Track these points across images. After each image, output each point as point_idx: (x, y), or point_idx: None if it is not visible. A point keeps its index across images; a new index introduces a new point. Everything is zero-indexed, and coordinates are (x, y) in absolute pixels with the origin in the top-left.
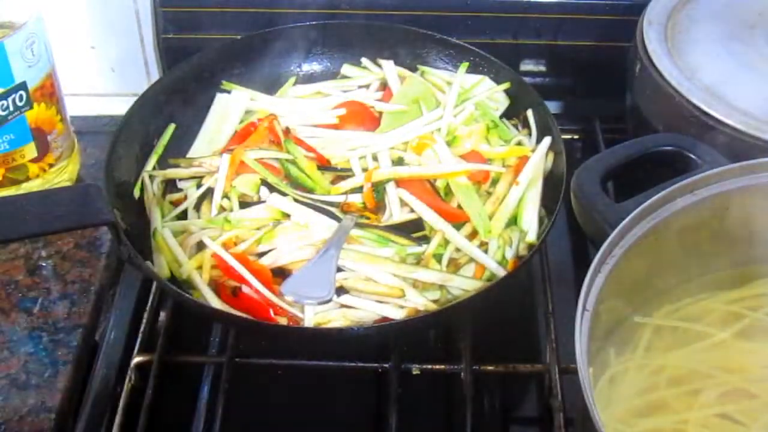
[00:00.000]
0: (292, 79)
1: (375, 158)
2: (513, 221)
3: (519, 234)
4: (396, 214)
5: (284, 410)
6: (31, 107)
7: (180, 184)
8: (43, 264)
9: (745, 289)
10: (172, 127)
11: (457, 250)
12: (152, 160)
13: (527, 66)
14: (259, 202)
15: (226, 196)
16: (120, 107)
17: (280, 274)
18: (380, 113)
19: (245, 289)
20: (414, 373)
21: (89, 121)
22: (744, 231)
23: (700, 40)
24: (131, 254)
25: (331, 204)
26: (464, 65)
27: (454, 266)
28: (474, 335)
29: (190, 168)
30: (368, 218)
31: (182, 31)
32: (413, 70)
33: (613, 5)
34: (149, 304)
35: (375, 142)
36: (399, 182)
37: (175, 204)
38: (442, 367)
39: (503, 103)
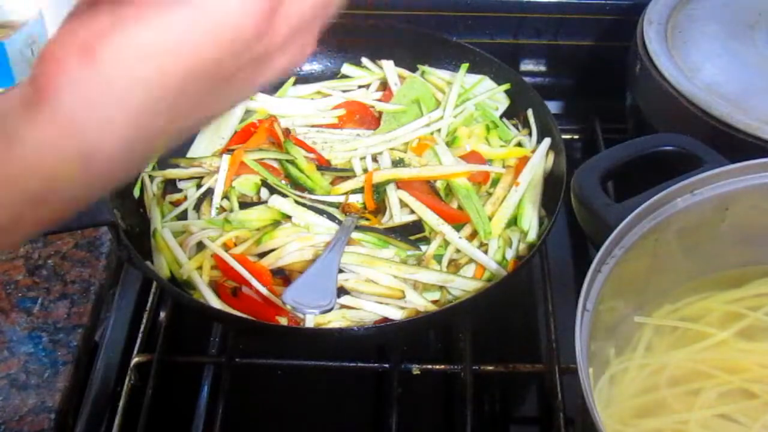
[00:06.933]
0: (292, 79)
1: (375, 159)
2: (513, 222)
3: (519, 234)
4: (396, 215)
5: (284, 410)
6: None
7: (180, 184)
8: (43, 264)
9: (745, 289)
10: None
11: (458, 250)
12: (152, 160)
13: (527, 66)
14: (259, 202)
15: (225, 196)
16: None
17: (281, 274)
18: (380, 113)
19: (245, 289)
20: (414, 373)
21: None
22: (744, 231)
23: (700, 39)
24: (131, 254)
25: (332, 204)
26: (464, 66)
27: (455, 267)
28: (474, 335)
29: (190, 168)
30: (368, 219)
31: None
32: (413, 70)
33: (613, 5)
34: (149, 304)
35: (375, 143)
36: (399, 183)
37: (175, 204)
38: (442, 367)
39: (503, 103)
